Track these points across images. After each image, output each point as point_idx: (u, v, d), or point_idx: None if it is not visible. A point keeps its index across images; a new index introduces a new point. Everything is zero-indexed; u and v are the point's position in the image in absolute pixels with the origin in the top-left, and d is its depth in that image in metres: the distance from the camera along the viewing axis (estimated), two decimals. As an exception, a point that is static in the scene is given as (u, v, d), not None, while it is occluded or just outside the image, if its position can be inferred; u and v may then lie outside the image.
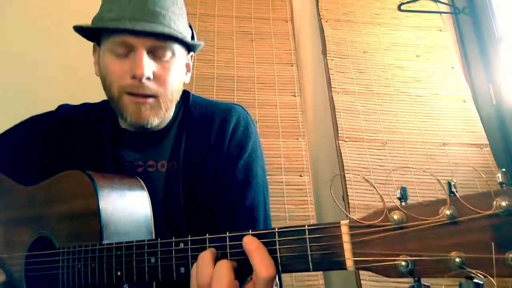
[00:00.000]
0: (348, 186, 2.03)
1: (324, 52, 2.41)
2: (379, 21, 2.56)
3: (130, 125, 1.07)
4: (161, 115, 1.04)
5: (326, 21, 2.49)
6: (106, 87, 1.04)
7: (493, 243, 0.45)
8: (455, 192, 0.48)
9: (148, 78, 0.99)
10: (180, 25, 1.04)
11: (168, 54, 1.02)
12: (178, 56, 1.06)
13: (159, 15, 0.99)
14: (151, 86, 1.00)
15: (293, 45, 2.48)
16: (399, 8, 2.60)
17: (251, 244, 0.64)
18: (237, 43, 2.43)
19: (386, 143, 2.18)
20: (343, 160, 2.10)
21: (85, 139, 1.14)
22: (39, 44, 2.31)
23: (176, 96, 1.08)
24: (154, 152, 1.11)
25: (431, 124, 2.26)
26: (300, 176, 2.12)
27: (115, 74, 1.00)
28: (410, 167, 2.12)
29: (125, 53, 0.99)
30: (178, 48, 1.05)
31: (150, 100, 1.01)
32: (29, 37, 2.33)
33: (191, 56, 1.18)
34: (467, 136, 2.23)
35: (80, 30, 1.05)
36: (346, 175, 2.07)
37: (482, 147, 2.19)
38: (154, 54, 1.01)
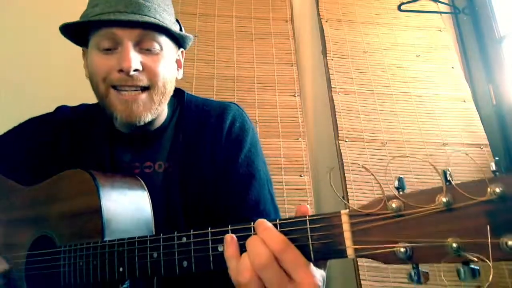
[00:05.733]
0: (348, 186, 2.03)
1: (324, 52, 2.41)
2: (379, 21, 2.57)
3: (122, 124, 1.05)
4: (154, 110, 1.01)
5: (326, 21, 2.50)
6: (93, 86, 1.02)
7: (488, 228, 0.46)
8: (451, 181, 0.50)
9: (136, 70, 0.96)
10: (165, 18, 1.03)
11: (156, 46, 1.00)
12: (166, 50, 1.03)
13: (143, 7, 0.98)
14: (141, 77, 0.98)
15: (293, 45, 2.48)
16: (399, 8, 2.60)
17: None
18: (237, 43, 2.44)
19: (386, 143, 2.18)
20: (343, 160, 2.10)
21: (82, 140, 1.13)
22: (37, 44, 2.31)
23: (169, 90, 1.06)
24: (151, 152, 1.10)
25: (431, 124, 2.26)
26: (300, 176, 2.12)
27: (101, 70, 0.98)
28: (412, 173, 2.12)
29: (111, 47, 0.97)
30: (165, 41, 1.03)
31: (143, 95, 0.99)
32: (27, 37, 2.33)
33: (182, 52, 1.16)
34: (467, 136, 2.24)
35: (65, 28, 1.03)
36: (346, 175, 2.07)
37: (482, 147, 2.20)
38: (142, 47, 0.99)
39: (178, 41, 1.10)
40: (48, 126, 1.17)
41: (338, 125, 2.19)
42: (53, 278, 0.89)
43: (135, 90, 0.98)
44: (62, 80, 2.20)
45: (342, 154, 2.12)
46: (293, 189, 2.10)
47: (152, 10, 0.99)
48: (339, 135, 2.17)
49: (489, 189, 0.47)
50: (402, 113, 2.28)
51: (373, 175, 0.55)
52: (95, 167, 1.02)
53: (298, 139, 2.21)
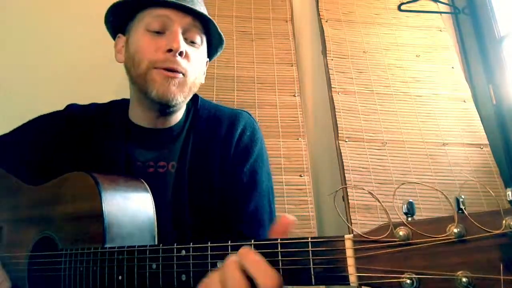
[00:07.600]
0: (348, 186, 2.03)
1: (324, 52, 2.40)
2: (379, 21, 2.55)
3: (153, 102, 1.06)
4: (184, 95, 1.07)
5: (326, 21, 2.48)
6: (133, 64, 1.06)
7: (501, 264, 0.44)
8: (463, 209, 0.48)
9: (181, 54, 1.03)
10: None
11: (198, 40, 1.09)
12: (202, 50, 1.13)
13: (196, 1, 1.07)
14: (182, 62, 1.04)
15: (293, 45, 2.47)
16: (399, 8, 2.59)
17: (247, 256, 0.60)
18: (237, 43, 2.42)
19: (386, 143, 2.18)
20: (343, 160, 2.09)
21: (96, 137, 1.14)
22: (42, 44, 2.30)
23: (197, 84, 1.12)
24: (165, 152, 1.12)
25: (431, 124, 2.26)
26: (300, 176, 2.12)
27: (148, 49, 1.04)
28: (412, 173, 2.12)
29: (160, 30, 1.05)
30: (204, 42, 1.12)
31: (180, 77, 1.04)
32: (32, 37, 2.31)
33: (206, 62, 1.21)
34: (467, 136, 2.23)
35: (116, 8, 1.09)
36: (346, 175, 2.07)
37: (482, 147, 2.19)
38: (187, 37, 1.07)
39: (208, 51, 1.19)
40: (58, 124, 1.18)
41: (338, 125, 2.18)
42: (54, 281, 0.89)
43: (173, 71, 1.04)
44: (63, 81, 2.18)
45: (342, 154, 2.12)
46: (293, 189, 2.09)
47: (199, 5, 1.10)
48: (339, 135, 2.17)
49: (504, 222, 0.45)
50: (402, 113, 2.27)
51: (379, 201, 0.53)
52: (109, 165, 1.06)
53: (298, 139, 2.21)
